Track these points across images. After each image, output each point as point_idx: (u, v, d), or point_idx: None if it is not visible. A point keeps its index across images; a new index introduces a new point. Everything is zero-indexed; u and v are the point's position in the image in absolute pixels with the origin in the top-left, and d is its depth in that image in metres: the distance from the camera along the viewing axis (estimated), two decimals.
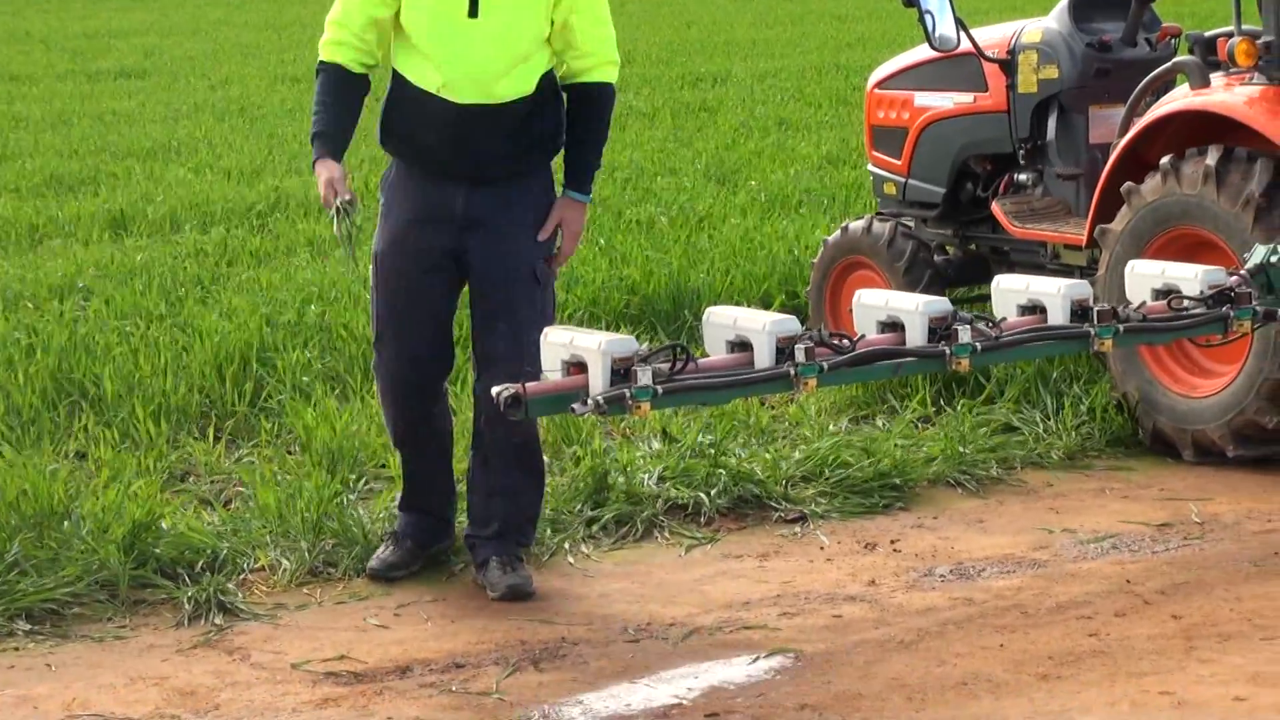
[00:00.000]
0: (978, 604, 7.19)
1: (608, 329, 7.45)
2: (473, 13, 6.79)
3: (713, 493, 8.20)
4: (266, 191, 15.65)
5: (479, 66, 6.90)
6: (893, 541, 7.92)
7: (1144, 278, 7.88)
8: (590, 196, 7.08)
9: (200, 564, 7.40)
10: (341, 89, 7.32)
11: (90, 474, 8.09)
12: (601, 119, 7.23)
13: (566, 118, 7.14)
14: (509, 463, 7.40)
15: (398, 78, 7.23)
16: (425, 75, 7.02)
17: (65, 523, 7.50)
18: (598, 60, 7.05)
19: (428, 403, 7.48)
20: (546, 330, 6.91)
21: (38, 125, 21.58)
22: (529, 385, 6.61)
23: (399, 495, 7.63)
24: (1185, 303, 7.73)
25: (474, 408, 7.56)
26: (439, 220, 7.15)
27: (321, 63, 7.26)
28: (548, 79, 7.08)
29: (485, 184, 7.11)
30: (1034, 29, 9.88)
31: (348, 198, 7.17)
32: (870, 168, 10.55)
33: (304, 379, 9.61)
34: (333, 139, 7.33)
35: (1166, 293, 7.75)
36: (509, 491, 7.41)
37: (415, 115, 7.17)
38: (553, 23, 6.94)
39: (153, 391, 9.32)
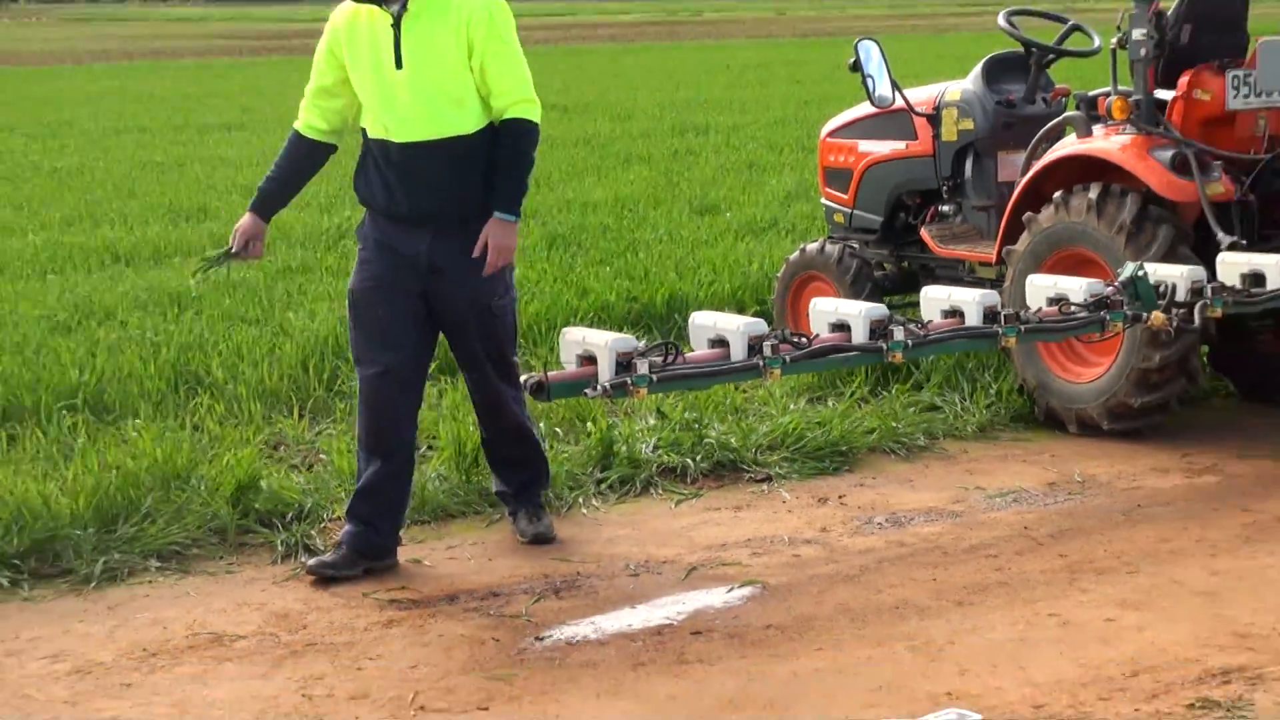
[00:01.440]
0: (907, 546, 7.30)
1: (613, 330, 7.52)
2: (398, 65, 6.69)
3: (697, 458, 8.28)
4: (339, 220, 15.60)
5: (410, 109, 6.75)
6: (840, 497, 7.99)
7: (1040, 288, 7.99)
8: (515, 217, 6.86)
9: (290, 515, 7.50)
10: (293, 152, 7.27)
11: (204, 445, 8.17)
12: (520, 149, 6.91)
13: (497, 151, 6.89)
14: (507, 440, 7.38)
15: (362, 134, 7.13)
16: (374, 124, 6.91)
17: (187, 483, 7.62)
18: (513, 99, 6.80)
19: (400, 418, 7.14)
20: (565, 330, 7.05)
21: (159, 168, 21.54)
22: (551, 374, 6.76)
23: (349, 504, 7.15)
24: (1072, 308, 7.86)
25: (473, 404, 7.53)
26: (408, 267, 6.96)
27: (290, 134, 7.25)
28: (484, 125, 6.88)
29: (445, 231, 6.88)
30: (954, 90, 9.91)
31: (234, 249, 7.27)
32: (823, 201, 10.57)
33: None
34: (265, 196, 7.30)
35: (1058, 300, 7.85)
36: (514, 461, 7.40)
37: (373, 162, 7.01)
38: (473, 70, 6.76)
39: (252, 379, 9.40)
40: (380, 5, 6.68)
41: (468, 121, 6.71)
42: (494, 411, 7.32)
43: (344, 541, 7.04)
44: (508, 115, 6.76)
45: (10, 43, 77.40)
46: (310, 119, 7.20)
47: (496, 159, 6.84)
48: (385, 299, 7.01)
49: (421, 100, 6.72)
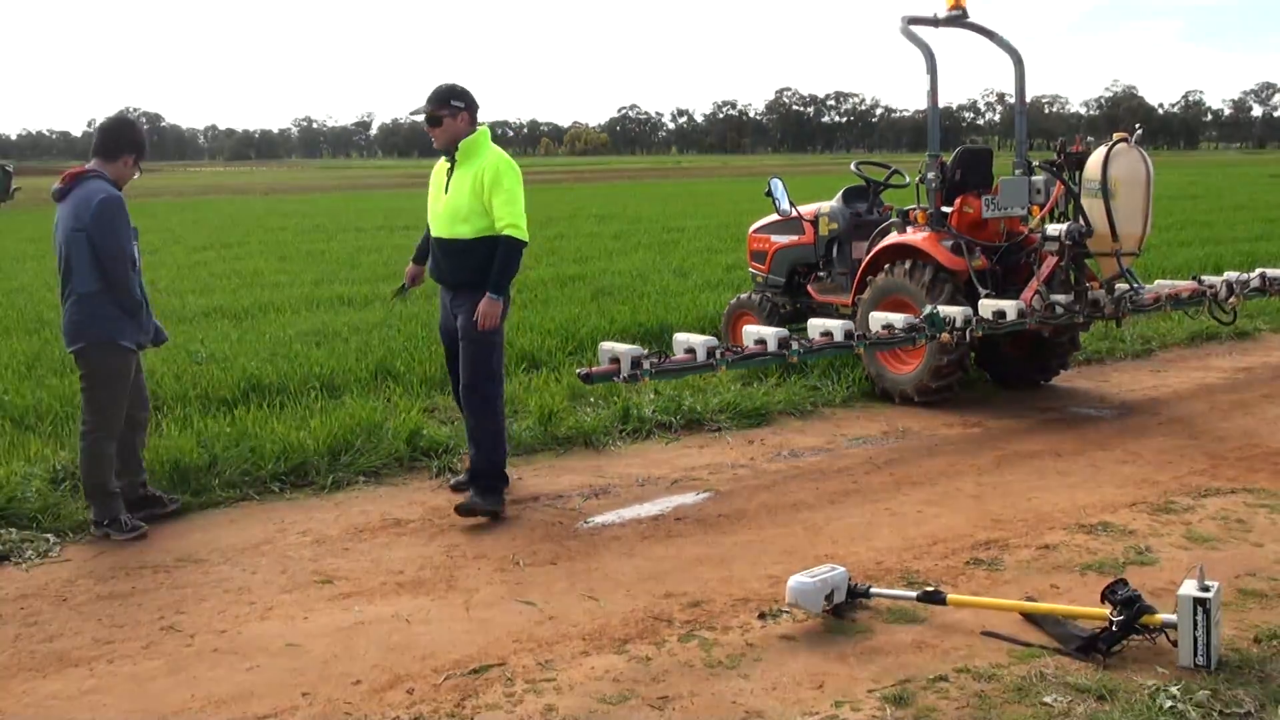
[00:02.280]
0: (801, 469, 7.18)
1: (629, 343, 7.46)
2: (445, 191, 6.50)
3: (677, 417, 8.16)
4: None
5: (444, 219, 6.48)
6: (761, 440, 7.86)
7: (877, 319, 7.93)
8: (498, 296, 6.32)
9: (440, 449, 7.41)
10: (426, 233, 6.78)
11: (391, 408, 8.09)
12: (506, 255, 6.40)
13: (497, 253, 6.40)
14: (469, 424, 6.58)
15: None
16: (432, 225, 6.63)
17: (380, 431, 7.51)
18: (504, 223, 6.34)
19: None
20: (601, 343, 6.95)
21: (371, 250, 21.52)
22: (593, 369, 6.69)
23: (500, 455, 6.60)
24: (896, 331, 7.78)
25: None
26: (447, 309, 6.68)
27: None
28: (487, 234, 6.40)
29: (458, 291, 6.52)
30: (826, 206, 9.85)
31: (406, 285, 7.15)
32: (750, 269, 10.52)
33: None
34: (418, 252, 6.98)
35: (888, 326, 7.80)
36: (472, 439, 6.53)
37: (432, 248, 6.67)
38: (484, 201, 6.39)
39: (419, 370, 9.33)
40: (447, 157, 6.59)
41: (469, 230, 6.38)
42: (467, 404, 6.57)
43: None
44: (499, 231, 6.36)
45: (288, 179, 77.92)
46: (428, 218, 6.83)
47: (496, 257, 6.39)
48: (442, 330, 7.03)
49: (451, 214, 6.46)
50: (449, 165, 6.59)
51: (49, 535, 6.08)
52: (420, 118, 6.62)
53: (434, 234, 6.63)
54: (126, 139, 6.32)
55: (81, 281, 6.11)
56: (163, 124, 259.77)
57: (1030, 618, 4.69)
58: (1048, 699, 4.05)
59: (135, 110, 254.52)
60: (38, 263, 19.82)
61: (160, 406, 8.18)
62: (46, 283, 16.53)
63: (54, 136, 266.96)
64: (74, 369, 8.93)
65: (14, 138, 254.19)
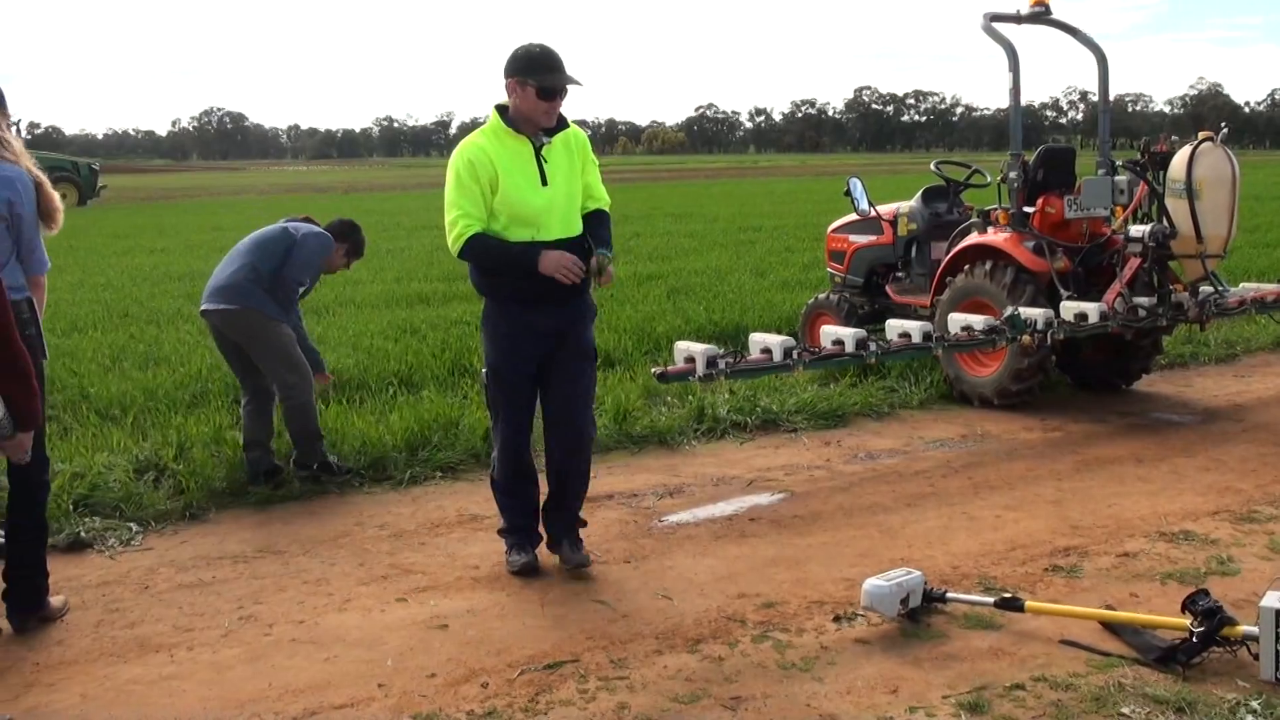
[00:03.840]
0: (878, 471, 7.13)
1: (704, 342, 7.44)
2: (545, 182, 5.19)
3: (753, 417, 8.14)
4: None
5: (558, 215, 5.24)
6: (838, 441, 7.81)
7: (956, 321, 7.85)
8: (611, 252, 5.31)
9: None
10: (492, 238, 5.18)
11: (467, 404, 8.11)
12: (607, 223, 5.39)
13: (590, 223, 5.38)
14: (578, 479, 5.61)
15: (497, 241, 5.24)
16: (533, 228, 5.20)
17: (457, 427, 7.56)
18: (601, 198, 5.37)
19: (526, 457, 5.51)
20: (676, 343, 6.93)
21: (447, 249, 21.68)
22: (669, 369, 6.66)
23: (504, 522, 5.61)
24: (976, 333, 7.71)
25: (549, 446, 5.59)
26: (541, 334, 5.28)
27: (461, 249, 5.19)
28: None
29: (568, 302, 5.28)
30: (906, 206, 9.81)
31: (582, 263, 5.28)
32: (828, 269, 10.48)
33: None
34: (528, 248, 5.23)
35: (967, 328, 7.73)
36: (578, 491, 5.63)
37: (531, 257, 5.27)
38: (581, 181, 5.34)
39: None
40: (540, 138, 5.28)
41: (579, 225, 5.38)
42: (577, 450, 5.64)
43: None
44: (598, 206, 5.43)
45: (368, 177, 78.69)
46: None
47: (598, 226, 5.38)
48: (522, 364, 5.49)
49: (565, 209, 5.34)
50: (533, 150, 5.26)
51: (131, 524, 6.20)
52: (545, 87, 5.19)
53: (541, 237, 5.22)
54: (342, 235, 7.23)
55: (264, 262, 6.80)
56: (246, 123, 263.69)
57: (1109, 627, 4.61)
58: (1126, 710, 3.98)
59: (219, 110, 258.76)
60: (123, 259, 20.21)
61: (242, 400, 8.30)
62: (131, 278, 16.86)
63: (139, 136, 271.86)
64: (157, 362, 9.04)
65: (100, 137, 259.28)
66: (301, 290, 6.96)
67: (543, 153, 5.26)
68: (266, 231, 7.00)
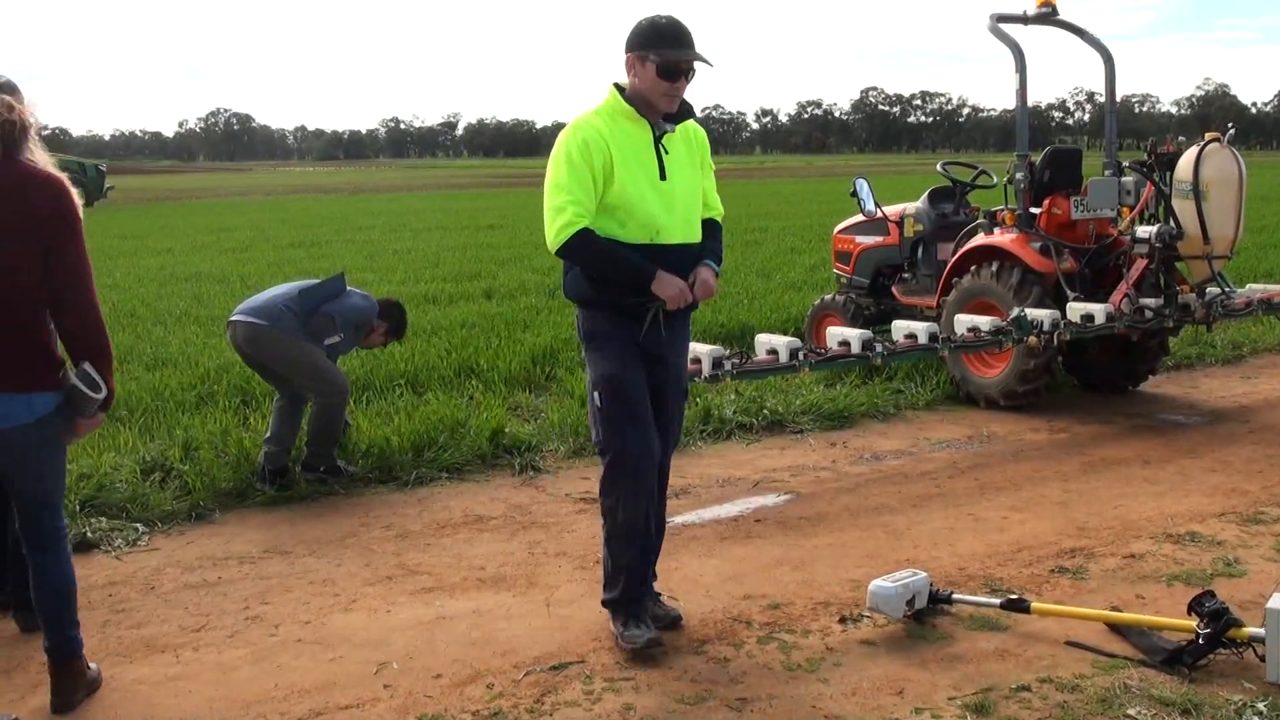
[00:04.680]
0: (883, 472, 7.12)
1: (711, 344, 7.44)
2: (663, 175, 4.48)
3: (759, 418, 8.13)
4: (555, 279, 15.67)
5: (679, 215, 4.55)
6: (844, 443, 7.80)
7: (962, 322, 7.87)
8: (719, 269, 4.72)
9: (523, 447, 7.44)
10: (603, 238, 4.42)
11: (474, 406, 8.15)
12: (719, 235, 4.75)
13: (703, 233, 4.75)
14: (661, 531, 4.90)
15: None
16: (653, 229, 4.49)
17: (464, 428, 7.58)
18: (715, 207, 4.75)
19: (655, 488, 4.66)
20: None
21: (454, 249, 21.70)
22: None
23: (622, 587, 4.65)
24: (982, 334, 7.71)
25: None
26: (645, 354, 4.55)
27: (567, 240, 4.36)
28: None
29: (678, 318, 4.66)
30: (912, 207, 9.81)
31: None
32: (834, 270, 10.48)
33: (570, 363, 9.65)
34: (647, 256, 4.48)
35: (974, 329, 7.73)
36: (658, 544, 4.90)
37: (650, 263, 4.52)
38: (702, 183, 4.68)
39: (502, 369, 9.37)
40: (661, 124, 4.56)
41: (699, 229, 4.77)
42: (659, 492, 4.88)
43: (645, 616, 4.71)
44: (715, 215, 4.87)
45: (375, 178, 78.83)
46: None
47: (712, 239, 4.79)
48: (636, 377, 4.65)
49: (685, 208, 4.64)
50: (653, 137, 4.52)
51: (138, 525, 6.20)
52: (665, 65, 4.45)
53: (661, 240, 4.51)
54: (386, 313, 7.28)
55: (311, 295, 6.90)
56: (253, 125, 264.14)
57: (1115, 628, 4.60)
58: (1131, 711, 3.97)
59: (226, 111, 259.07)
60: (130, 260, 20.26)
61: (249, 401, 8.32)
62: (138, 279, 16.89)
63: (146, 137, 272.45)
64: (166, 363, 9.08)
65: (107, 138, 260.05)
66: (333, 340, 6.89)
67: (663, 142, 4.55)
68: (329, 278, 7.15)
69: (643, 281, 4.45)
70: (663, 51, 4.41)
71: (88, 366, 4.06)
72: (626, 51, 4.50)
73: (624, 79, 4.54)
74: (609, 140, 4.43)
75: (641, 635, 4.53)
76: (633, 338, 4.54)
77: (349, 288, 7.11)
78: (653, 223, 4.49)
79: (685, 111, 4.60)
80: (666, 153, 4.54)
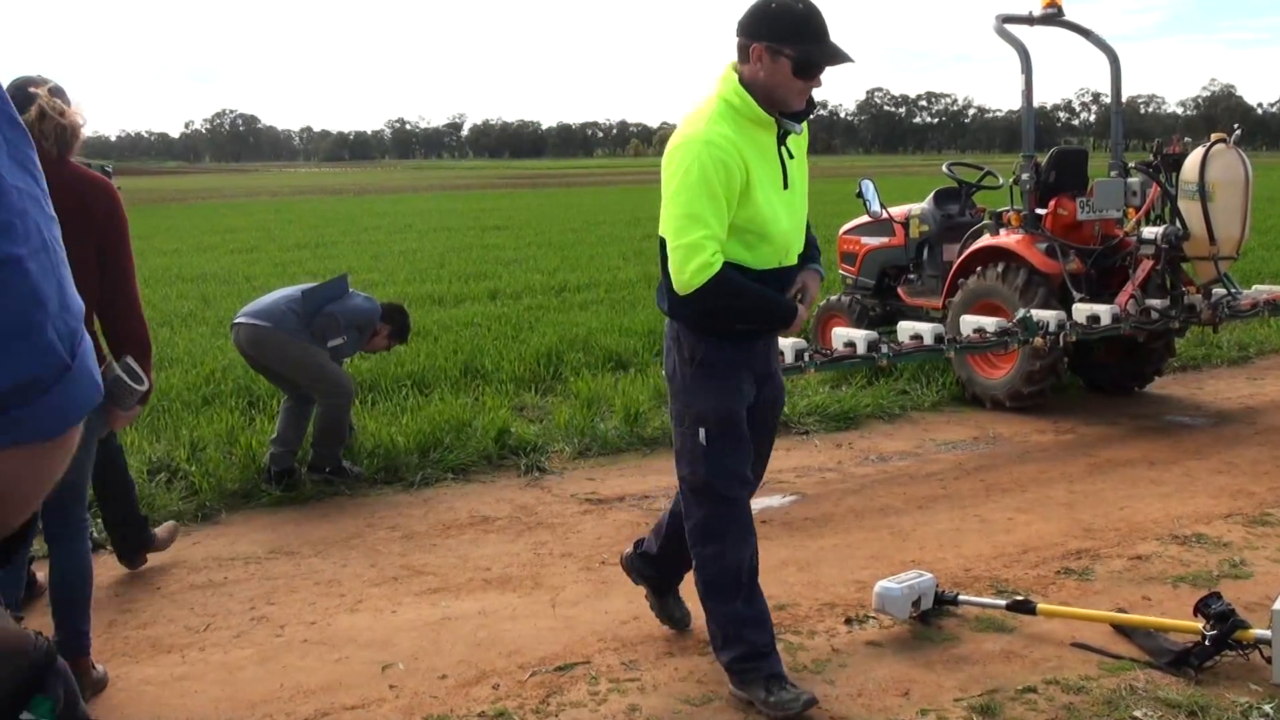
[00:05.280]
0: (889, 472, 7.12)
1: None
2: (786, 184, 3.96)
3: None
4: (561, 280, 15.70)
5: (795, 231, 4.04)
6: (849, 444, 7.79)
7: (968, 323, 7.86)
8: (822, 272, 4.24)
9: (528, 448, 7.43)
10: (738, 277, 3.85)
11: (479, 407, 8.16)
12: (814, 238, 4.21)
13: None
14: None
15: (736, 268, 3.87)
16: (773, 250, 3.95)
17: (469, 429, 7.58)
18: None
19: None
20: None
21: (459, 249, 21.72)
22: None
23: (746, 643, 4.09)
24: (988, 335, 7.70)
25: None
26: (753, 374, 4.09)
27: (704, 284, 3.76)
28: None
29: (774, 339, 4.29)
30: (917, 208, 9.82)
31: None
32: (839, 271, 10.49)
33: (576, 364, 9.67)
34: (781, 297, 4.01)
35: (980, 330, 7.72)
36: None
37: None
38: None
39: (508, 369, 9.38)
40: (781, 124, 3.96)
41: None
42: None
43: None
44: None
45: (381, 179, 78.96)
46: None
47: (810, 246, 4.17)
48: (739, 409, 4.12)
49: (798, 224, 4.10)
50: (777, 140, 3.96)
51: None
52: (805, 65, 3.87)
53: (788, 262, 4.04)
54: (389, 315, 7.25)
55: (313, 297, 6.88)
56: (259, 126, 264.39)
57: (1121, 630, 4.60)
58: (1138, 713, 3.96)
59: (232, 112, 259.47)
60: (136, 260, 20.23)
61: (255, 402, 8.33)
62: (144, 280, 16.88)
63: (152, 138, 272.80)
64: (172, 364, 9.11)
65: (113, 139, 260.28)
66: (337, 342, 6.88)
67: (787, 144, 4.00)
68: (333, 280, 7.15)
69: (777, 321, 4.01)
70: (802, 47, 3.83)
71: (130, 360, 4.09)
72: (750, 39, 3.87)
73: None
74: (744, 155, 3.82)
75: (794, 698, 3.98)
76: (747, 362, 4.08)
77: (351, 290, 7.11)
78: (784, 244, 3.99)
79: (810, 107, 4.02)
80: (790, 157, 4.01)
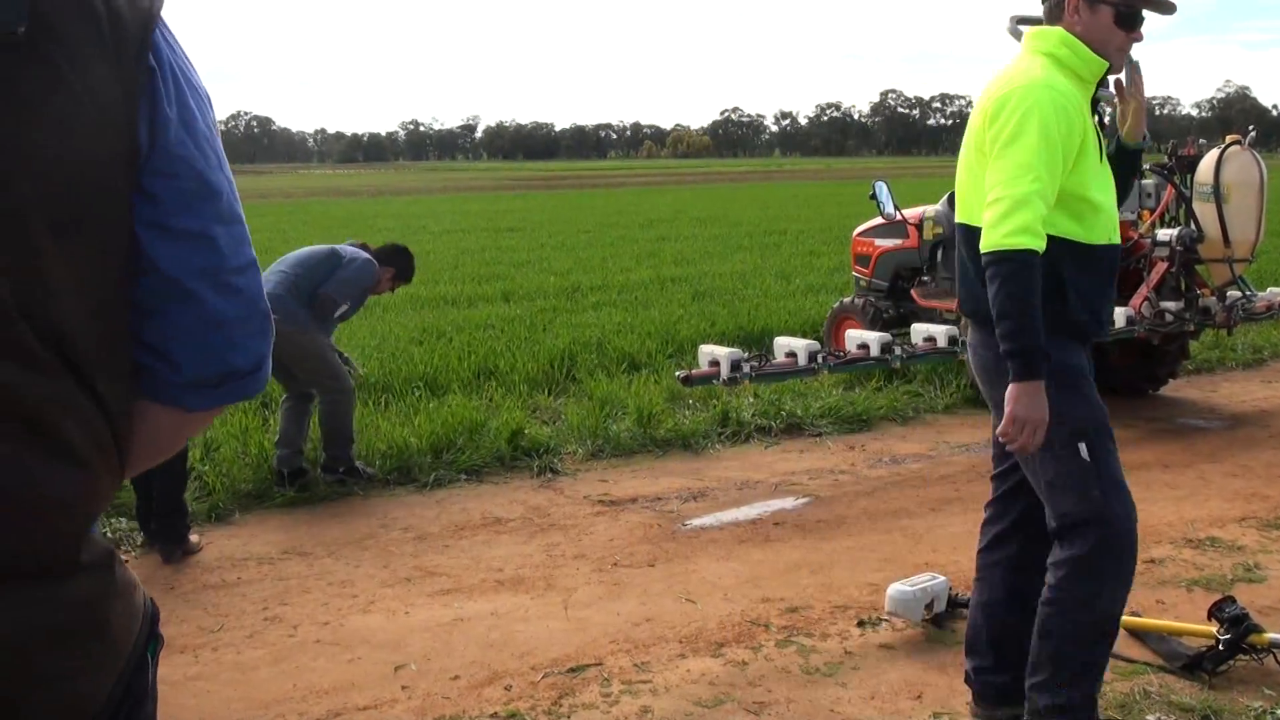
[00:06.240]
0: (903, 475, 7.11)
1: (729, 346, 7.44)
2: (1102, 157, 3.51)
3: (777, 421, 8.12)
4: (574, 281, 15.70)
5: (1115, 210, 3.52)
6: (862, 446, 7.78)
7: None
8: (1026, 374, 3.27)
9: (541, 449, 7.43)
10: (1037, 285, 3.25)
11: (493, 408, 8.17)
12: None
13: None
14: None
15: (1066, 245, 3.36)
16: (1106, 224, 3.46)
17: (482, 430, 7.59)
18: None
19: None
20: (700, 346, 6.96)
21: (473, 251, 21.73)
22: (693, 372, 6.70)
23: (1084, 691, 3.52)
24: None
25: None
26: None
27: (1015, 251, 3.20)
28: None
29: None
30: (931, 210, 9.78)
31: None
32: (853, 272, 10.47)
33: (589, 366, 9.67)
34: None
35: None
36: None
37: (1096, 274, 3.46)
38: None
39: (521, 371, 9.39)
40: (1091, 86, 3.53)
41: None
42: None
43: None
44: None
45: (395, 181, 79.11)
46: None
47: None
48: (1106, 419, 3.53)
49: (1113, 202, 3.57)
50: (1090, 107, 3.49)
51: None
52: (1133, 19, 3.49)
53: (1104, 239, 3.48)
54: (392, 258, 7.27)
55: (303, 279, 6.77)
56: (273, 127, 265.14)
57: (1134, 633, 4.58)
58: (1151, 717, 3.95)
59: (247, 114, 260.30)
60: None
61: (269, 402, 8.33)
62: None
63: None
64: None
65: None
66: (341, 311, 6.92)
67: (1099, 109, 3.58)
68: (314, 250, 7.02)
69: (1022, 366, 3.28)
70: None
71: None
72: None
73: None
74: (1082, 109, 3.40)
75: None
76: (1085, 363, 3.54)
77: (342, 248, 7.01)
78: (1112, 218, 3.49)
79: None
80: (1102, 129, 3.56)
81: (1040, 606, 3.55)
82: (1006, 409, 3.29)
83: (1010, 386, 3.28)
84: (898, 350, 7.34)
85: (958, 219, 3.60)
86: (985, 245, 3.29)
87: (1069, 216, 3.39)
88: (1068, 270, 3.40)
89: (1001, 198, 3.26)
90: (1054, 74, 3.40)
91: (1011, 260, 3.23)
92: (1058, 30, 3.48)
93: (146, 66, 1.30)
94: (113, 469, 1.33)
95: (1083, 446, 3.43)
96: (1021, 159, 3.27)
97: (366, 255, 7.06)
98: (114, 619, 1.37)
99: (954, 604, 4.80)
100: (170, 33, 1.36)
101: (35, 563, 1.26)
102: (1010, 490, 3.83)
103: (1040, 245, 3.24)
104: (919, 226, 9.77)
